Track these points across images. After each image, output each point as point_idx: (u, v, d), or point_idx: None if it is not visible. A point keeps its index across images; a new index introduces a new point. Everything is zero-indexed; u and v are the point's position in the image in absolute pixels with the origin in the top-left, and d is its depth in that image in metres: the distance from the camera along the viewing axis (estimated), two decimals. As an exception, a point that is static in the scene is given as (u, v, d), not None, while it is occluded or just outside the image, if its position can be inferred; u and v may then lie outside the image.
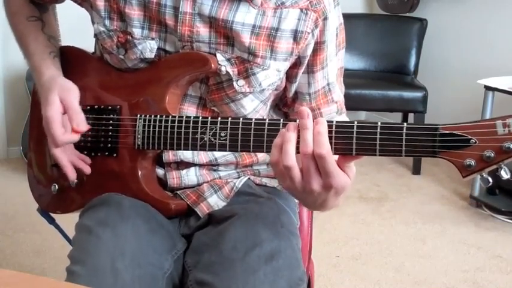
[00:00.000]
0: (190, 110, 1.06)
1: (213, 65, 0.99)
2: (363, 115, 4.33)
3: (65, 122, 1.03)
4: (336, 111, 1.12)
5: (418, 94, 3.21)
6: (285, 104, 1.12)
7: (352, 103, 3.22)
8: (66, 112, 1.03)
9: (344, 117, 1.15)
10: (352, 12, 3.75)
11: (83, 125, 1.03)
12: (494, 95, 2.70)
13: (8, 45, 3.06)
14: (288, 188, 0.85)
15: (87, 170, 1.06)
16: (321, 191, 0.83)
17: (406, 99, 3.23)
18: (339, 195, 0.85)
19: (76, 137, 1.03)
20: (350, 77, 3.35)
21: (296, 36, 1.01)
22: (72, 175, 1.05)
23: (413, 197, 2.98)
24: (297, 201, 1.16)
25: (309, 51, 1.03)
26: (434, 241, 2.49)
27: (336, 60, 1.09)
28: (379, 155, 0.82)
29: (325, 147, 0.80)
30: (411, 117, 3.40)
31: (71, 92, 1.04)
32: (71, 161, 1.05)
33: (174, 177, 1.07)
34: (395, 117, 3.91)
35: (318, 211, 1.12)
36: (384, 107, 3.36)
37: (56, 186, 1.14)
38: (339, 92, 1.11)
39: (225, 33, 1.00)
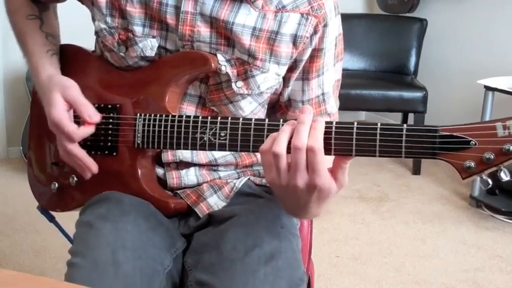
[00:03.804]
0: (189, 109, 1.06)
1: (213, 65, 0.99)
2: (363, 115, 4.34)
3: (72, 118, 1.02)
4: None
5: (418, 94, 3.21)
6: (278, 109, 1.12)
7: (352, 103, 3.23)
8: (73, 107, 1.02)
9: None
10: (352, 12, 3.75)
11: (95, 116, 1.02)
12: (494, 95, 2.70)
13: (8, 45, 3.06)
14: (272, 181, 0.84)
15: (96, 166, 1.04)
16: (304, 189, 0.82)
17: (406, 99, 3.23)
18: (322, 200, 0.84)
19: (92, 129, 1.02)
20: (350, 77, 3.36)
21: (295, 40, 1.00)
22: (94, 167, 1.03)
23: (413, 197, 2.98)
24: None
25: (306, 56, 1.03)
26: (434, 241, 2.49)
27: (334, 72, 1.08)
28: (379, 156, 0.82)
29: (318, 142, 0.80)
30: (411, 117, 3.40)
31: (72, 87, 1.04)
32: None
33: (173, 177, 1.07)
34: (395, 118, 3.91)
35: (300, 218, 1.11)
36: (384, 107, 3.36)
37: (56, 184, 1.14)
38: (333, 104, 1.10)
39: (225, 34, 1.00)
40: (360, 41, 3.61)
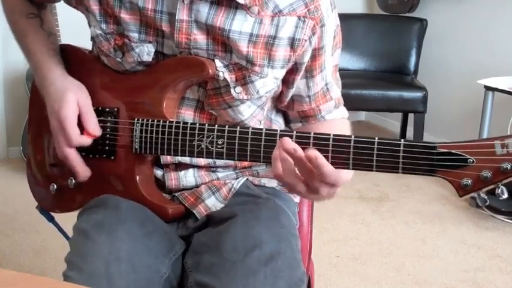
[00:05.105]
0: (187, 113, 1.05)
1: (210, 71, 0.98)
2: (363, 115, 4.33)
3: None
4: (333, 105, 1.12)
5: (418, 94, 3.21)
6: (282, 104, 1.12)
7: (352, 103, 3.19)
8: (81, 114, 1.03)
9: (342, 110, 1.14)
10: (352, 12, 3.75)
11: (97, 130, 1.04)
12: (494, 95, 2.69)
13: (8, 45, 3.06)
14: (296, 194, 0.90)
15: (89, 173, 1.06)
16: (328, 192, 0.88)
17: (406, 99, 3.23)
18: (335, 190, 0.90)
19: (90, 140, 1.03)
20: (350, 77, 3.36)
21: (293, 43, 1.00)
22: (85, 173, 1.05)
23: (413, 197, 2.98)
24: (296, 201, 1.16)
25: (306, 58, 1.02)
26: (434, 241, 2.49)
27: (331, 59, 1.08)
28: (376, 171, 0.83)
29: (314, 151, 0.83)
30: (411, 117, 3.39)
31: (86, 93, 1.05)
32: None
33: (172, 179, 1.07)
34: (395, 117, 3.91)
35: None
36: (384, 107, 3.36)
37: (55, 186, 1.14)
38: (336, 89, 1.11)
39: (222, 40, 0.99)
40: (360, 41, 3.61)
